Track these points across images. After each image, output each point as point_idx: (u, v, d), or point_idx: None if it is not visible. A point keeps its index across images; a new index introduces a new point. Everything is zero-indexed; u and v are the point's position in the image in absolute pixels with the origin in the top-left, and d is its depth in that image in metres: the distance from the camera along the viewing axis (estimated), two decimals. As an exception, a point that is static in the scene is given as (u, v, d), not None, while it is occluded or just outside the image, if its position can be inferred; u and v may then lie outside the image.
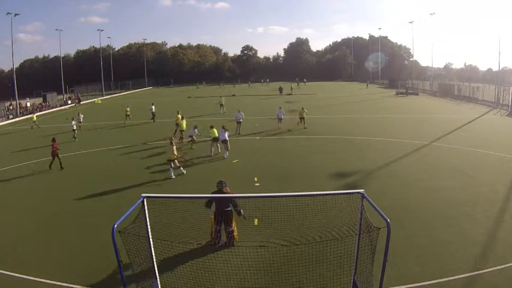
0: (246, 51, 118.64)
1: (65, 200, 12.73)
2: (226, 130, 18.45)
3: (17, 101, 45.69)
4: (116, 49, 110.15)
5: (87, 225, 10.58)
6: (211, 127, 19.11)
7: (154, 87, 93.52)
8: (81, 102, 57.76)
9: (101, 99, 62.54)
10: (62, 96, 60.04)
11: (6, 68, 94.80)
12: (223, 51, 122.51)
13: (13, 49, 45.92)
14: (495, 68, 54.96)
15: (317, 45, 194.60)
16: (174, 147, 15.13)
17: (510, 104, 35.45)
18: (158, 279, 6.84)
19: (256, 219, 9.69)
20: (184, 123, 22.04)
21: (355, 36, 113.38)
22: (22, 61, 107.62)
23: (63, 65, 69.65)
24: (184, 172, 15.28)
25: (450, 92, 49.77)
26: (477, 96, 43.14)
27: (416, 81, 66.62)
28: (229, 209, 8.84)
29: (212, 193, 9.19)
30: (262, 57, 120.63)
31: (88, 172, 16.54)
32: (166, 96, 61.23)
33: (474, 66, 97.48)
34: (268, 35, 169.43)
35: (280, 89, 57.15)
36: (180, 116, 23.97)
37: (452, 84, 53.12)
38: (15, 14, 46.35)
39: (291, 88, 59.65)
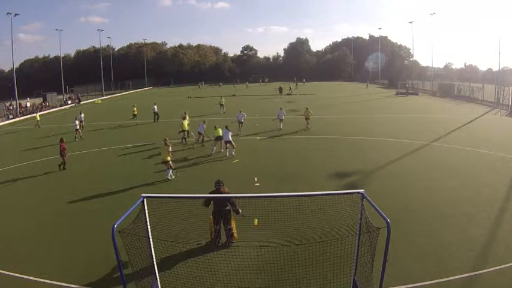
0: (246, 51, 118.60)
1: (65, 199, 12.72)
2: (229, 130, 18.35)
3: (17, 101, 45.70)
4: (116, 49, 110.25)
5: (87, 225, 10.58)
6: (215, 127, 19.24)
7: (154, 87, 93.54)
8: (81, 102, 57.78)
9: (101, 99, 62.57)
10: (62, 96, 60.04)
11: (6, 68, 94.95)
12: (223, 51, 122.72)
13: (13, 49, 46.07)
14: (495, 68, 54.97)
15: (317, 45, 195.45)
16: (170, 147, 14.66)
17: (510, 104, 35.46)
18: (158, 279, 6.85)
19: (256, 219, 9.68)
20: (185, 123, 22.01)
21: (355, 36, 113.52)
22: (22, 61, 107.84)
23: (63, 65, 69.69)
24: (170, 178, 14.43)
25: (450, 92, 49.78)
26: (477, 96, 43.15)
27: (416, 81, 66.66)
28: (227, 208, 8.86)
29: (210, 193, 9.21)
30: (262, 57, 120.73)
31: (88, 172, 16.54)
32: (167, 96, 61.24)
33: (474, 66, 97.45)
34: (268, 35, 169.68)
35: (280, 89, 57.15)
36: (188, 116, 23.66)
37: (452, 84, 53.13)
38: (15, 14, 46.45)
39: (290, 88, 59.60)
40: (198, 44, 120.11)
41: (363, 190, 6.30)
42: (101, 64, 75.21)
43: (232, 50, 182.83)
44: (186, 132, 21.87)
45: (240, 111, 24.59)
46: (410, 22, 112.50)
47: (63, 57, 79.96)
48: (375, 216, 5.78)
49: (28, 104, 50.04)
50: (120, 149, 21.22)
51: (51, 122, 35.06)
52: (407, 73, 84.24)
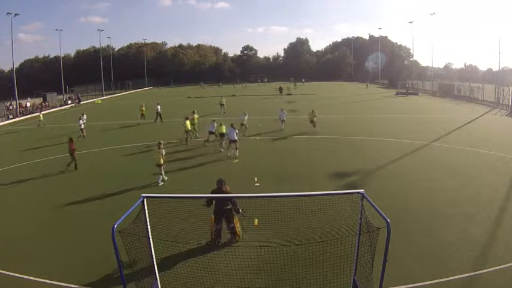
0: (246, 51, 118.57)
1: (65, 199, 12.71)
2: (235, 129, 18.20)
3: (17, 101, 45.69)
4: (116, 49, 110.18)
5: (87, 225, 10.58)
6: (220, 124, 19.33)
7: (154, 88, 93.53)
8: (81, 102, 57.78)
9: (101, 99, 62.56)
10: (62, 96, 60.04)
11: (6, 68, 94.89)
12: (223, 51, 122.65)
13: (13, 49, 46.07)
14: (495, 68, 55.01)
15: (317, 45, 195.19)
16: (163, 151, 14.31)
17: (510, 104, 35.46)
18: (158, 279, 6.85)
19: (256, 219, 9.68)
20: (188, 123, 21.98)
21: (355, 36, 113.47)
22: (22, 61, 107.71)
23: (63, 65, 69.69)
24: (161, 184, 13.94)
25: (450, 92, 49.78)
26: (477, 96, 43.15)
27: (416, 81, 66.67)
28: (228, 207, 8.89)
29: (212, 191, 9.22)
30: (262, 57, 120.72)
31: (89, 172, 16.53)
32: (167, 96, 61.19)
33: (474, 66, 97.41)
34: (268, 35, 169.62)
35: (280, 89, 57.22)
36: (196, 116, 23.56)
37: (452, 84, 53.14)
38: (15, 14, 46.45)
39: (288, 88, 59.59)
40: (198, 44, 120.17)
41: (363, 190, 6.30)
42: (101, 64, 75.21)
43: (232, 50, 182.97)
44: (188, 133, 21.83)
45: (244, 113, 24.28)
46: (410, 22, 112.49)
47: (63, 57, 79.96)
48: (375, 216, 5.78)
49: (28, 104, 50.04)
50: (120, 149, 21.22)
51: (52, 122, 35.04)
52: (407, 73, 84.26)
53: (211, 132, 20.60)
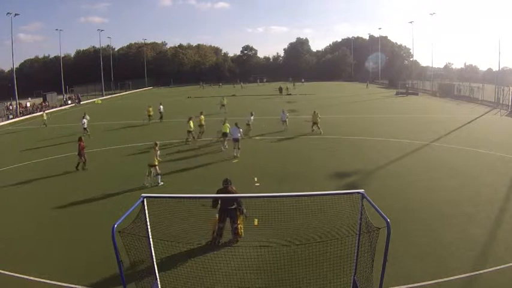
0: (246, 51, 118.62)
1: (65, 199, 12.71)
2: (239, 128, 18.16)
3: (17, 101, 45.68)
4: (116, 49, 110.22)
5: (87, 225, 10.58)
6: (224, 122, 19.42)
7: (154, 88, 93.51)
8: (81, 102, 57.77)
9: (101, 99, 62.54)
10: (62, 96, 60.04)
11: (6, 68, 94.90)
12: (223, 51, 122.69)
13: (13, 49, 46.05)
14: (495, 68, 55.00)
15: (317, 45, 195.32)
16: (158, 152, 14.18)
17: (510, 104, 35.46)
18: (158, 279, 6.85)
19: (256, 219, 9.68)
20: (191, 123, 21.95)
21: (355, 36, 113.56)
22: (22, 61, 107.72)
23: (63, 65, 69.69)
24: (161, 183, 13.87)
25: (450, 92, 49.79)
26: (477, 96, 43.16)
27: (416, 81, 66.69)
28: (233, 207, 8.92)
29: (217, 191, 9.27)
30: (262, 57, 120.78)
31: (89, 172, 16.51)
32: (167, 97, 61.16)
33: (474, 66, 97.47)
34: (268, 35, 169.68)
35: (280, 89, 57.25)
36: (203, 117, 23.44)
37: (452, 84, 53.14)
38: (15, 14, 46.42)
39: (287, 88, 59.55)
40: (198, 44, 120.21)
41: (363, 190, 6.30)
42: (101, 64, 75.19)
43: (232, 50, 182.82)
44: (190, 133, 21.80)
45: (251, 114, 24.11)
46: (410, 22, 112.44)
47: (63, 57, 79.96)
48: (375, 216, 5.78)
49: (28, 104, 50.02)
50: (120, 149, 21.22)
51: (52, 122, 34.97)
52: (407, 73, 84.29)
53: (247, 124, 22.23)
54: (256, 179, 14.16)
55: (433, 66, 79.39)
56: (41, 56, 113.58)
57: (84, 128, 25.64)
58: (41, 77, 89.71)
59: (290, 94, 55.92)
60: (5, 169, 17.60)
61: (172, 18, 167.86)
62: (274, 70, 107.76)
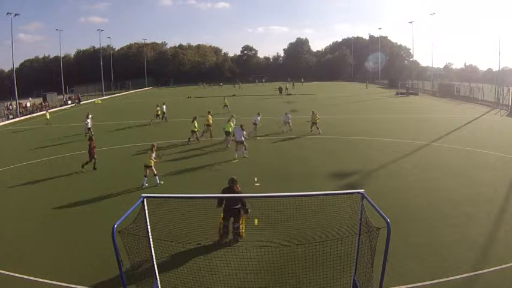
0: (246, 51, 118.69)
1: (65, 199, 12.70)
2: (243, 130, 17.81)
3: (17, 101, 45.69)
4: (116, 49, 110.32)
5: (87, 225, 10.57)
6: (228, 120, 19.66)
7: (154, 88, 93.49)
8: (81, 102, 57.76)
9: (101, 99, 62.54)
10: (62, 97, 60.04)
11: (6, 68, 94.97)
12: (223, 51, 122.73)
13: (13, 49, 46.03)
14: (495, 68, 55.07)
15: (317, 45, 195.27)
16: (154, 154, 14.00)
17: (510, 104, 35.47)
18: (158, 279, 6.84)
19: (256, 219, 9.69)
20: (196, 123, 21.93)
21: (355, 36, 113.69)
22: (22, 61, 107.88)
23: (63, 65, 69.77)
24: (161, 183, 13.89)
25: (450, 92, 49.80)
26: (477, 96, 43.18)
27: (416, 81, 66.69)
28: (237, 206, 8.95)
29: (223, 190, 9.30)
30: (262, 57, 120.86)
31: (89, 172, 16.49)
32: (167, 97, 61.17)
33: (474, 66, 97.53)
34: (268, 35, 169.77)
35: (280, 89, 57.28)
36: (211, 116, 23.29)
37: (452, 84, 53.15)
38: (15, 14, 46.42)
39: (286, 88, 59.51)
40: (198, 44, 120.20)
41: (362, 190, 6.30)
42: (101, 64, 75.17)
43: (232, 50, 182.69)
44: (194, 133, 21.75)
45: (258, 114, 23.97)
46: (410, 22, 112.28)
47: (63, 57, 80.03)
48: (374, 216, 5.77)
49: (28, 104, 49.99)
50: (121, 149, 21.21)
51: (54, 122, 34.94)
52: (407, 73, 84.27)
53: (255, 124, 22.68)
54: (256, 179, 14.16)
55: (433, 66, 79.76)
56: (41, 56, 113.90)
57: (88, 128, 25.62)
58: (41, 77, 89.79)
59: (290, 94, 55.93)
60: (6, 169, 17.59)
61: (172, 18, 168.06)
62: (274, 70, 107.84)
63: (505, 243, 8.71)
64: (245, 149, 18.01)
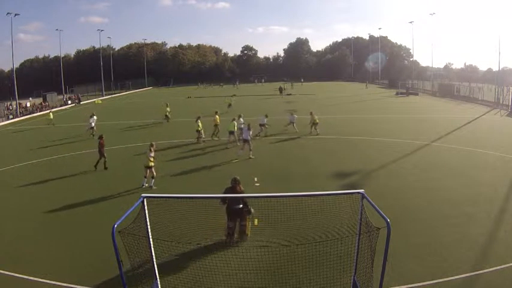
0: (246, 51, 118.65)
1: (65, 199, 12.71)
2: (250, 129, 18.00)
3: (17, 101, 45.68)
4: (116, 49, 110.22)
5: (87, 225, 10.58)
6: (233, 119, 19.92)
7: (154, 88, 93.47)
8: (81, 103, 57.74)
9: (101, 99, 62.52)
10: (62, 97, 60.02)
11: (6, 68, 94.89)
12: (223, 51, 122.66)
13: (13, 49, 46.02)
14: (495, 68, 55.03)
15: (317, 45, 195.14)
16: (152, 153, 13.85)
17: (510, 104, 35.47)
18: (158, 279, 6.85)
19: (256, 219, 9.69)
20: (200, 122, 21.90)
21: (355, 36, 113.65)
22: (22, 61, 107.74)
23: (63, 65, 69.75)
24: (154, 188, 13.49)
25: (450, 92, 49.79)
26: (477, 96, 43.18)
27: (417, 81, 66.68)
28: (239, 206, 8.95)
29: (226, 189, 9.31)
30: (262, 57, 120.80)
31: (89, 171, 16.49)
32: (167, 97, 61.13)
33: (474, 66, 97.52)
34: (268, 35, 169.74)
35: (280, 89, 57.28)
36: (218, 116, 23.17)
37: (453, 84, 53.14)
38: (15, 14, 46.39)
39: (284, 88, 59.53)
40: (198, 44, 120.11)
41: (362, 190, 6.30)
42: (101, 64, 75.16)
43: (232, 50, 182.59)
44: (199, 132, 21.72)
45: (266, 116, 23.88)
46: (410, 22, 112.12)
47: (63, 57, 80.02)
48: (374, 216, 5.77)
49: (28, 104, 49.97)
50: (121, 149, 21.20)
51: (56, 122, 34.96)
52: (407, 73, 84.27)
53: (261, 125, 22.70)
54: (256, 179, 14.16)
55: (433, 66, 79.69)
56: (41, 56, 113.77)
57: (91, 128, 25.59)
58: (41, 77, 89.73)
59: (290, 94, 55.94)
60: (6, 169, 17.58)
61: (172, 18, 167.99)
62: (274, 70, 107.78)
63: (505, 243, 8.71)
64: (250, 149, 18.00)
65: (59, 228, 10.48)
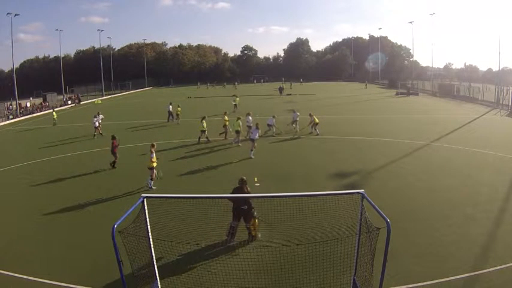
0: (246, 51, 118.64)
1: (65, 199, 12.71)
2: (258, 129, 18.26)
3: (17, 101, 45.68)
4: (116, 49, 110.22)
5: (87, 225, 10.58)
6: (238, 118, 20.15)
7: (154, 88, 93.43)
8: (81, 103, 57.71)
9: (101, 100, 62.50)
10: (62, 97, 60.02)
11: (6, 68, 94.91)
12: (223, 51, 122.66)
13: (13, 49, 46.14)
14: (495, 68, 55.02)
15: (317, 45, 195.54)
16: (154, 154, 13.78)
17: (510, 104, 35.45)
18: (158, 279, 6.85)
19: (256, 219, 9.67)
20: (204, 123, 21.88)
21: (355, 36, 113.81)
22: (22, 61, 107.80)
23: (63, 65, 69.67)
24: (154, 188, 13.48)
25: (450, 92, 49.78)
26: (477, 96, 43.15)
27: (417, 82, 66.64)
28: (244, 207, 8.99)
29: (233, 189, 9.40)
30: (262, 57, 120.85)
31: (89, 171, 16.49)
32: (167, 97, 61.12)
33: (474, 66, 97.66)
34: (268, 35, 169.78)
35: (280, 89, 57.25)
36: (227, 117, 23.07)
37: (453, 85, 53.12)
38: (15, 14, 46.54)
39: (284, 89, 59.46)
40: (198, 44, 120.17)
41: (362, 190, 6.30)
42: (101, 64, 75.18)
43: (232, 50, 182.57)
44: (203, 132, 21.65)
45: (273, 117, 23.93)
46: (410, 22, 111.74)
47: (63, 57, 79.99)
48: (374, 216, 5.77)
49: (28, 104, 49.96)
50: (121, 149, 21.13)
51: (52, 122, 34.99)
52: (407, 73, 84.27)
53: (269, 125, 23.17)
54: (256, 179, 14.14)
55: (433, 66, 79.68)
56: (41, 56, 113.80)
57: (96, 127, 25.52)
58: (41, 77, 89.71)
59: (290, 94, 55.94)
60: (6, 169, 17.58)
61: (172, 18, 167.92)
62: (274, 70, 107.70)
63: (505, 243, 8.71)
64: (251, 149, 18.03)
65: (59, 228, 10.48)
